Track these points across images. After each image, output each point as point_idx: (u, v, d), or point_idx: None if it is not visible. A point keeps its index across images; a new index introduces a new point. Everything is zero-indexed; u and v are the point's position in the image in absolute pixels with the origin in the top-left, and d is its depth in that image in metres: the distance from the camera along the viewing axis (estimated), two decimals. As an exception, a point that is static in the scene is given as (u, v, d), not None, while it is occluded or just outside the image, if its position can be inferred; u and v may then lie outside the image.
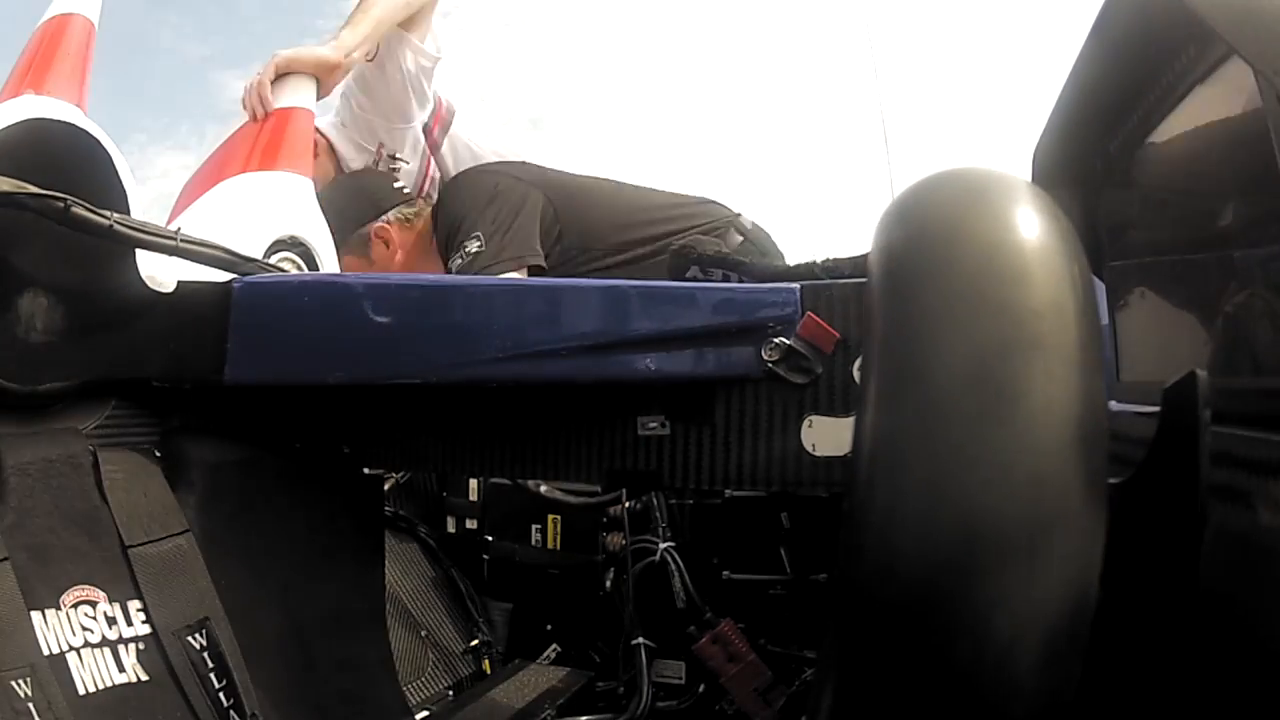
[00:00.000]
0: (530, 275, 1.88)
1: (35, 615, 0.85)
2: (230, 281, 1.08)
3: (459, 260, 1.91)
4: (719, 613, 1.29)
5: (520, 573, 1.46)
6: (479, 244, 1.88)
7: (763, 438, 0.99)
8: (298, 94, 2.37)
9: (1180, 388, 0.48)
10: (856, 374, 0.94)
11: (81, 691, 0.85)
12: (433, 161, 2.26)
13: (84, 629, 0.89)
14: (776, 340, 0.95)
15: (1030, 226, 0.44)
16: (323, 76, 1.97)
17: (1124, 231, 0.85)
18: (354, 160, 2.18)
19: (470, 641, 1.42)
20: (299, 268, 1.90)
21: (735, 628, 1.27)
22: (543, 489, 1.45)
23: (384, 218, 2.03)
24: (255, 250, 1.57)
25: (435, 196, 2.18)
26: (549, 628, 1.44)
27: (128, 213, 1.07)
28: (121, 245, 1.05)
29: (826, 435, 0.96)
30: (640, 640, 1.30)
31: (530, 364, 0.97)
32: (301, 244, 1.99)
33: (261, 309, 1.06)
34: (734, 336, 0.96)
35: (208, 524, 1.05)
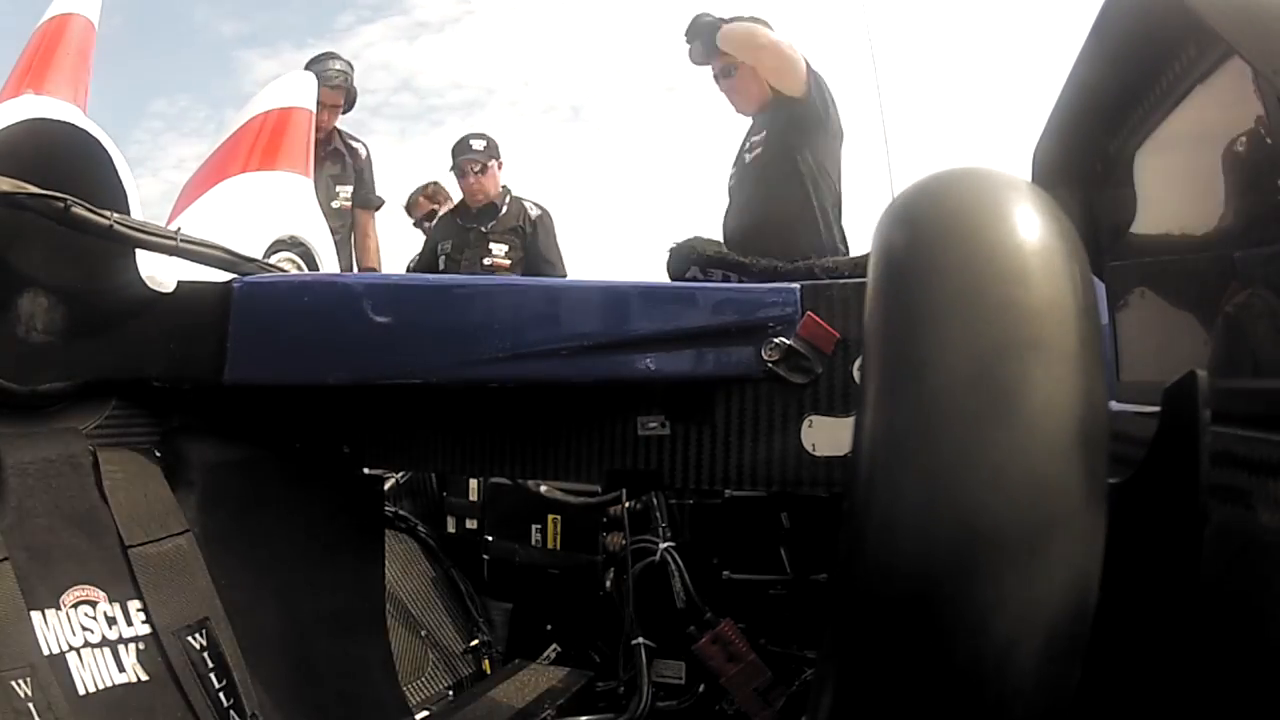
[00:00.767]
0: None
1: (35, 615, 0.85)
2: (230, 281, 1.08)
3: None
4: (719, 613, 1.29)
5: (520, 573, 1.46)
6: None
7: (763, 438, 0.99)
8: (298, 94, 2.37)
9: (1180, 388, 0.48)
10: (856, 374, 0.94)
11: (81, 691, 0.85)
12: None
13: (84, 629, 0.89)
14: (776, 340, 0.95)
15: (1030, 226, 0.44)
16: None
17: (1124, 231, 0.85)
18: None
19: (470, 641, 1.42)
20: (299, 268, 1.91)
21: (735, 628, 1.27)
22: (543, 489, 1.45)
23: None
24: (255, 250, 1.57)
25: None
26: (549, 628, 1.44)
27: (128, 213, 1.07)
28: (121, 245, 1.05)
29: (826, 435, 0.96)
30: (640, 640, 1.30)
31: (530, 364, 0.97)
32: (301, 244, 1.99)
33: (261, 309, 1.06)
34: (734, 336, 0.96)
35: (208, 524, 1.05)
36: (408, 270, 3.56)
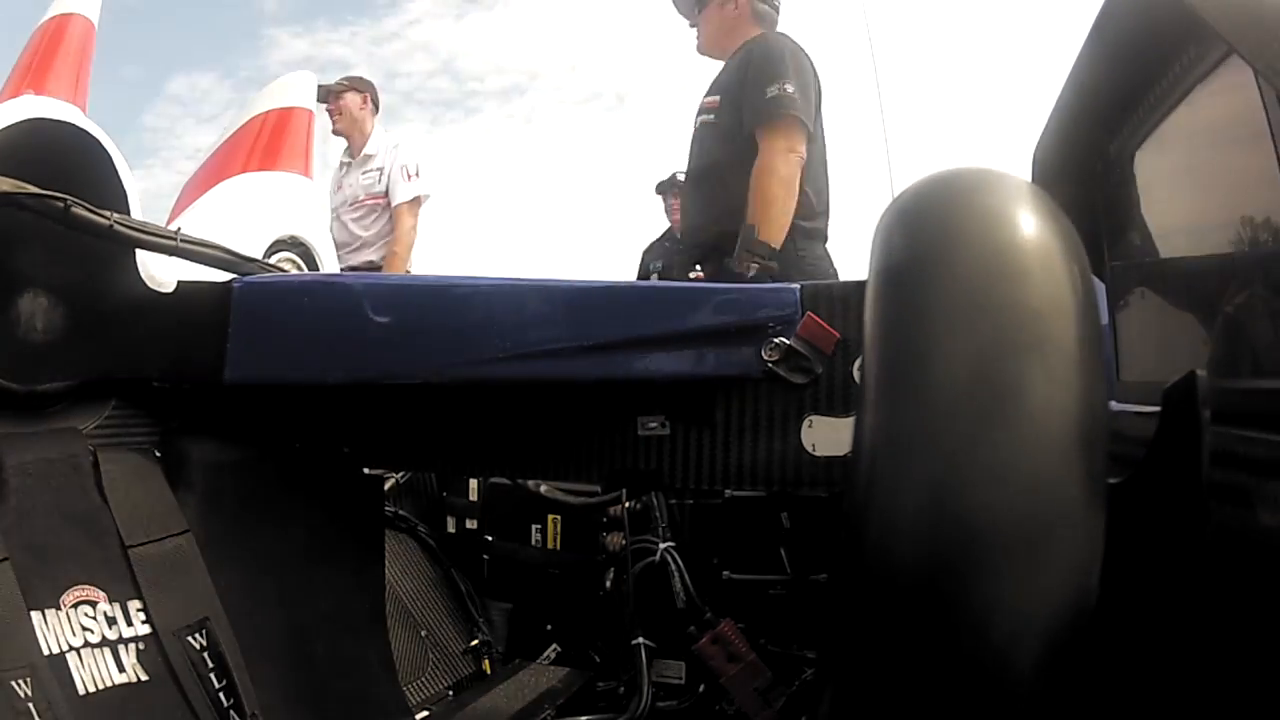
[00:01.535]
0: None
1: (35, 615, 0.85)
2: (230, 281, 1.08)
3: (774, 90, 2.00)
4: (719, 613, 1.29)
5: (520, 573, 1.46)
6: (793, 89, 2.00)
7: (763, 438, 0.99)
8: (298, 94, 2.38)
9: (1180, 388, 0.48)
10: (856, 374, 0.94)
11: (81, 691, 0.85)
12: None
13: (84, 629, 0.89)
14: (776, 340, 0.95)
15: (1030, 226, 0.44)
16: None
17: (1124, 231, 0.85)
18: None
19: (470, 641, 1.42)
20: (299, 268, 1.91)
21: (735, 628, 1.27)
22: (543, 489, 1.45)
23: None
24: (255, 250, 1.57)
25: None
26: (549, 628, 1.44)
27: (128, 213, 1.07)
28: (121, 245, 1.05)
29: (826, 435, 0.96)
30: (640, 640, 1.30)
31: (530, 364, 0.97)
32: (301, 244, 2.00)
33: (261, 309, 1.06)
34: (734, 336, 0.96)
35: (208, 524, 1.05)
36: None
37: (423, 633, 1.38)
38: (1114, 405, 0.74)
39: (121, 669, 0.90)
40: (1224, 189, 0.64)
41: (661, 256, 3.50)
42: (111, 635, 0.91)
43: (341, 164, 3.32)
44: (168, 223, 1.65)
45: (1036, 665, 0.39)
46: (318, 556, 1.17)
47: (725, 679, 1.26)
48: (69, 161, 1.06)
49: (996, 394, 0.40)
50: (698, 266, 2.15)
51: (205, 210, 1.86)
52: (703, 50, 2.27)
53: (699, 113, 2.19)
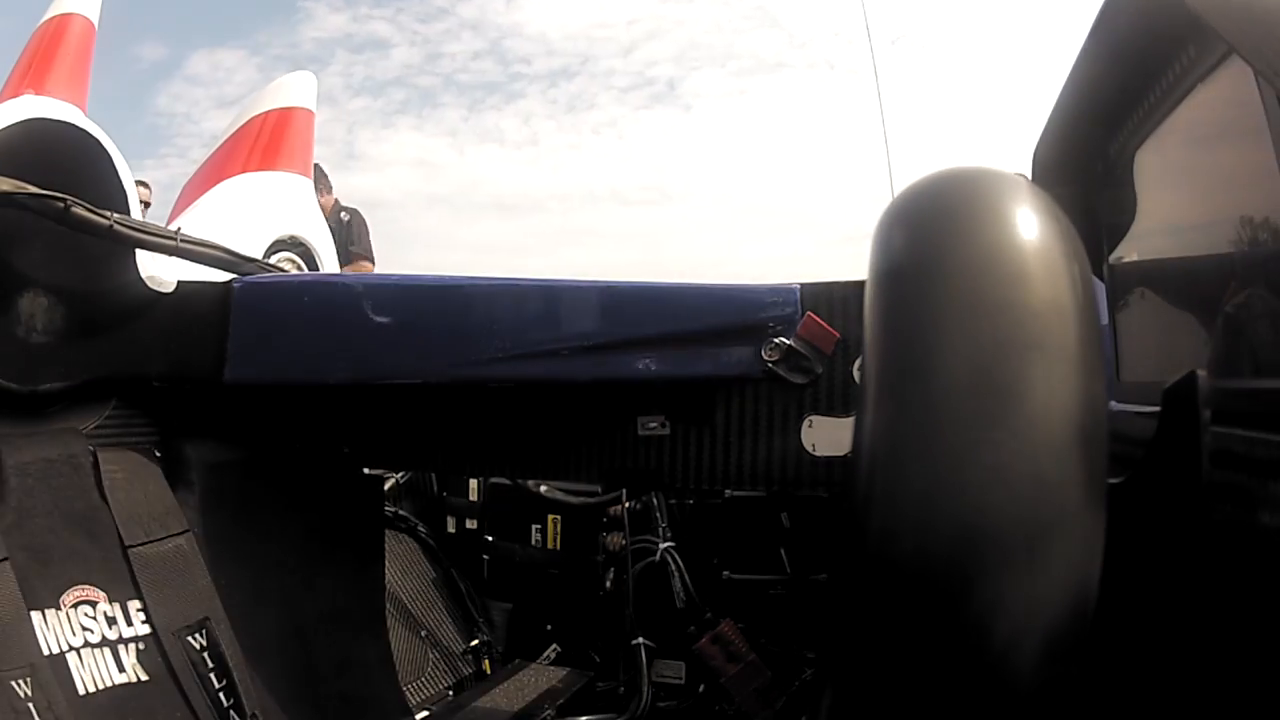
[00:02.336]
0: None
1: (35, 615, 0.85)
2: (230, 281, 1.08)
3: None
4: (719, 613, 1.29)
5: (520, 573, 1.46)
6: None
7: (763, 438, 0.99)
8: (298, 94, 2.37)
9: (1180, 388, 0.48)
10: (856, 374, 0.94)
11: (81, 691, 0.85)
12: None
13: (84, 629, 0.89)
14: (776, 340, 0.95)
15: (1030, 226, 0.44)
16: None
17: (1124, 231, 0.85)
18: None
19: (470, 641, 1.42)
20: (299, 268, 1.91)
21: (735, 628, 1.27)
22: (543, 489, 1.45)
23: None
24: (255, 250, 1.57)
25: None
26: (549, 628, 1.44)
27: (128, 213, 1.07)
28: (121, 245, 1.05)
29: (826, 435, 0.96)
30: (640, 640, 1.30)
31: (530, 364, 0.97)
32: (301, 244, 1.99)
33: (261, 309, 1.06)
34: (734, 336, 0.96)
35: (208, 524, 1.05)
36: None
37: (423, 633, 1.38)
38: (1114, 405, 0.74)
39: (121, 669, 0.90)
40: (1224, 189, 0.64)
41: None
42: (111, 635, 0.91)
43: None
44: (168, 222, 1.65)
45: (1037, 665, 0.39)
46: (317, 556, 1.17)
47: (725, 679, 1.26)
48: (69, 161, 1.06)
49: (996, 394, 0.40)
50: None
51: (205, 210, 1.85)
52: None
53: None
